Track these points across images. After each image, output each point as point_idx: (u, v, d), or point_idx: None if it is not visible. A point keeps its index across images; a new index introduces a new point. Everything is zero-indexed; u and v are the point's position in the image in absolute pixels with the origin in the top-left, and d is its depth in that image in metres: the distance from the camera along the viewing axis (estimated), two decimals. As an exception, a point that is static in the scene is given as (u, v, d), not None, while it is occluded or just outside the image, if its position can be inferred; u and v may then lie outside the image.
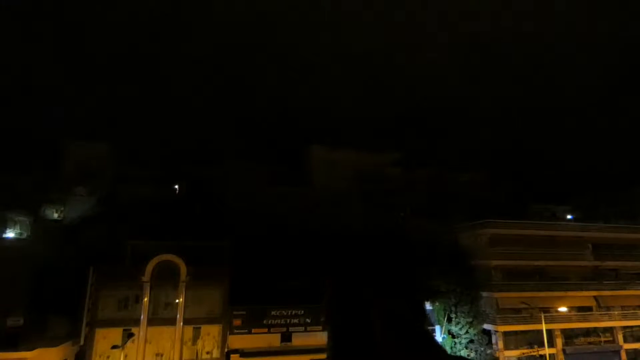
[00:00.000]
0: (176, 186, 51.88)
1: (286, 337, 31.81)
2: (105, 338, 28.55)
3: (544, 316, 34.11)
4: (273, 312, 32.03)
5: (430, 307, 35.40)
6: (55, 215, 45.24)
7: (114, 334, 28.61)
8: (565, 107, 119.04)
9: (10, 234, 38.09)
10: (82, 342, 28.35)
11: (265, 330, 31.65)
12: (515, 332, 36.27)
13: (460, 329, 34.45)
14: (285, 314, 32.27)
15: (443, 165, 60.86)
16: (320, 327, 32.32)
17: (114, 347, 26.32)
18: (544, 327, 33.51)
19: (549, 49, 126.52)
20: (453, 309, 34.59)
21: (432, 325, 34.99)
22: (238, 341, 30.86)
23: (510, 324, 35.97)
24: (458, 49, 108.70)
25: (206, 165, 54.17)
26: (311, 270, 34.71)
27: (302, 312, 32.54)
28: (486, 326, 35.89)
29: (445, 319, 34.69)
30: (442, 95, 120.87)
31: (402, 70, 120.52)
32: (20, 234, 39.15)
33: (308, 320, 32.47)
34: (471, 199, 51.40)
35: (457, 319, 34.52)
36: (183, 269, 30.43)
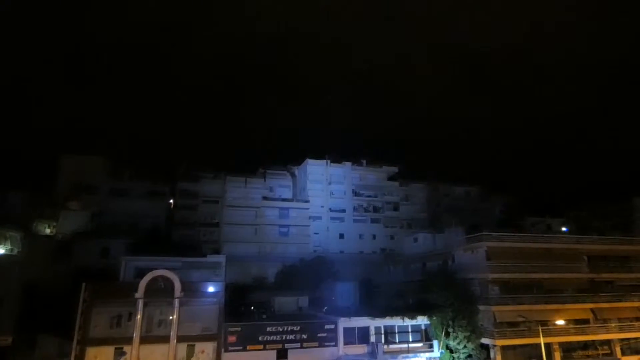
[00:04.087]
0: (171, 200, 51.52)
1: (282, 354, 31.19)
2: (97, 358, 27.81)
3: (542, 329, 33.79)
4: (269, 328, 31.47)
5: (428, 322, 34.97)
6: (48, 231, 44.59)
7: (106, 353, 27.88)
8: (559, 121, 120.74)
9: (0, 250, 37.31)
10: (72, 362, 27.57)
11: (261, 347, 30.99)
12: (514, 347, 35.86)
13: (458, 343, 34.06)
14: (281, 330, 31.70)
15: (439, 179, 61.13)
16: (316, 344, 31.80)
17: (106, 366, 25.62)
18: (542, 340, 33.17)
19: (545, 64, 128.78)
20: (451, 323, 34.21)
21: (430, 340, 34.50)
22: (233, 359, 30.23)
23: (508, 338, 35.56)
24: (455, 65, 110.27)
25: (201, 180, 53.91)
26: (306, 287, 34.42)
27: (298, 328, 32.05)
28: (484, 340, 35.52)
29: (443, 333, 34.29)
30: (440, 109, 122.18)
31: (401, 86, 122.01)
32: (11, 250, 38.37)
33: (304, 336, 31.95)
34: (467, 212, 51.60)
35: (454, 334, 34.13)
36: (177, 285, 29.91)
